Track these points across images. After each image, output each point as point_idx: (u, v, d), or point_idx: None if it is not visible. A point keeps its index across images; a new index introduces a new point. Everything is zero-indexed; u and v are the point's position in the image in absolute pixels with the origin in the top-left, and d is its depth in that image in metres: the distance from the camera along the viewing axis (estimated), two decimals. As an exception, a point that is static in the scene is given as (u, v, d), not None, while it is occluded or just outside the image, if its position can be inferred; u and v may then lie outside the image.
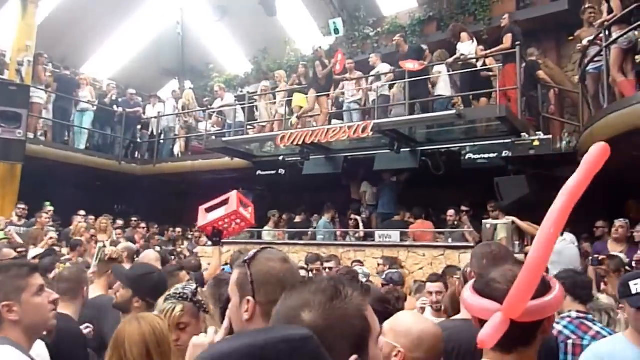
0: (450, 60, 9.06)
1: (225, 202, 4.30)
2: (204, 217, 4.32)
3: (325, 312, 1.02)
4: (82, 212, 10.01)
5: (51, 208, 9.59)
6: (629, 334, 2.46)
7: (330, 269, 6.05)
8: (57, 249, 7.29)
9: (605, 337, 2.72)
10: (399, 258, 7.20)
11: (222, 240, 8.33)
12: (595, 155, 1.56)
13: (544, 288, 1.47)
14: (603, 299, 3.59)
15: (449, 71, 9.23)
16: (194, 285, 2.47)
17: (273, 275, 1.51)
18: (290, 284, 1.37)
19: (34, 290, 1.87)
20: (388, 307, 2.38)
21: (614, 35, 6.38)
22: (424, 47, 9.85)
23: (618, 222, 6.56)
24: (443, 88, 9.17)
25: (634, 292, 2.26)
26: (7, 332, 1.83)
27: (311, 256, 6.69)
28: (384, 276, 5.13)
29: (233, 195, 4.33)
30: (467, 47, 9.06)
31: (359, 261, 6.65)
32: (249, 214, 4.43)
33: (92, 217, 9.80)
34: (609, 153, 1.57)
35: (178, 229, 11.40)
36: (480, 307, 1.47)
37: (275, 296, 1.32)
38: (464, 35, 9.10)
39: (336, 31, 12.93)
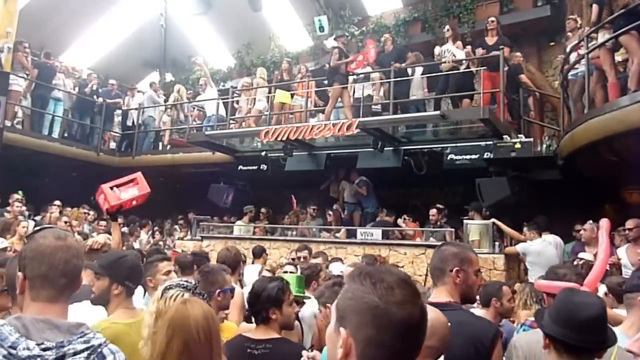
0: (444, 62, 9.13)
1: (130, 182, 4.57)
2: (115, 197, 4.44)
3: None
4: (58, 202, 9.85)
5: (18, 196, 9.35)
6: (629, 328, 2.40)
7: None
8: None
9: None
10: (381, 256, 7.22)
11: (204, 236, 8.29)
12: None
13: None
14: None
15: (424, 73, 9.37)
16: (192, 281, 2.47)
17: (40, 252, 1.55)
18: (63, 260, 1.51)
19: None
20: None
21: (601, 39, 6.52)
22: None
23: (583, 226, 6.59)
24: (416, 89, 9.38)
25: None
26: None
27: (300, 245, 6.76)
28: None
29: (140, 176, 4.61)
30: (460, 54, 9.15)
31: (339, 258, 6.63)
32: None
33: (69, 209, 9.64)
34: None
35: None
36: (562, 286, 2.35)
37: (39, 271, 1.46)
38: (458, 43, 9.18)
39: (321, 29, 12.95)
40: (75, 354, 1.38)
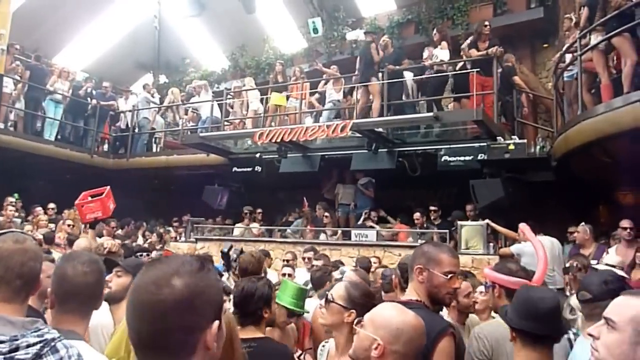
0: (427, 63, 9.17)
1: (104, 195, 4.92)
2: (109, 209, 4.88)
3: (195, 280, 1.08)
4: (52, 205, 9.86)
5: (12, 199, 9.32)
6: None
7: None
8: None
9: None
10: (378, 257, 7.22)
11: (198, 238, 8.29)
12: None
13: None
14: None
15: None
16: None
17: None
18: (19, 263, 1.65)
19: None
20: (372, 301, 2.40)
21: (594, 41, 6.56)
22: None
23: (576, 228, 6.69)
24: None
25: None
26: (77, 323, 1.89)
27: (307, 247, 6.92)
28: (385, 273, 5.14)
29: (109, 190, 4.95)
30: (444, 55, 9.19)
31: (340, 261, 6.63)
32: None
33: (67, 211, 9.65)
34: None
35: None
36: (518, 281, 2.58)
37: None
38: (444, 43, 9.20)
39: (315, 31, 12.95)
40: (28, 346, 1.44)
